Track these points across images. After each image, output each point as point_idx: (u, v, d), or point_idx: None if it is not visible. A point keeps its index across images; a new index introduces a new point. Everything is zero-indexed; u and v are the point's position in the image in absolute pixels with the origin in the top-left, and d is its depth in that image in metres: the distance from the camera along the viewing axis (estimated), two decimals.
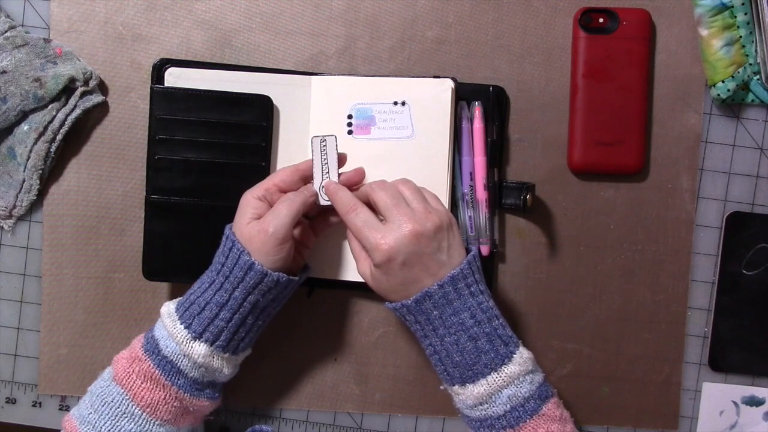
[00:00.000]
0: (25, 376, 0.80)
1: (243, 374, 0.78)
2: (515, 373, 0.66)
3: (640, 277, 0.78)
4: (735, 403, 0.79)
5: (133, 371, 0.67)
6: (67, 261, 0.78)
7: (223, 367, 0.69)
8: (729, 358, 0.78)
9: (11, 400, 0.80)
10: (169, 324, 0.67)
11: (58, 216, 0.78)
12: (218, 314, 0.67)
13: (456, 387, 0.67)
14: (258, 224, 0.67)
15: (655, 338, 0.78)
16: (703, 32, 0.75)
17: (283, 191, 0.70)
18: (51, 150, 0.76)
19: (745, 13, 0.74)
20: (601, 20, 0.75)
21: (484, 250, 0.76)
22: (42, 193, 0.78)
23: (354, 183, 0.72)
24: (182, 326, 0.67)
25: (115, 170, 0.78)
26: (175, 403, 0.68)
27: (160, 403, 0.67)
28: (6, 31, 0.75)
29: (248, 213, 0.68)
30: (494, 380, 0.65)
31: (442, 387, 0.70)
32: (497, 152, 0.76)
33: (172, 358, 0.67)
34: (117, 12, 0.77)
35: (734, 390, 0.79)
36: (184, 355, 0.67)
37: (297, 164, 0.71)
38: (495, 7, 0.77)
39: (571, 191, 0.78)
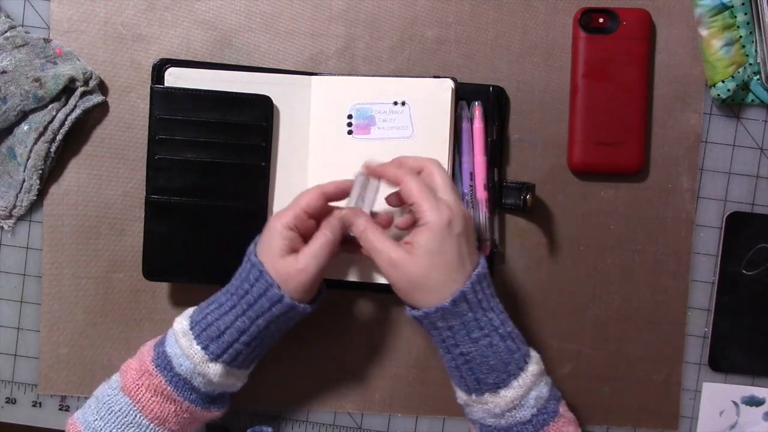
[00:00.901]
0: (25, 376, 0.80)
1: None
2: (537, 373, 0.65)
3: (640, 277, 0.78)
4: (735, 403, 0.79)
5: (142, 384, 0.67)
6: (67, 261, 0.78)
7: (237, 381, 0.70)
8: (729, 358, 0.78)
9: (11, 400, 0.80)
10: (185, 344, 0.66)
11: (58, 216, 0.78)
12: (238, 339, 0.66)
13: (486, 395, 0.65)
14: (296, 263, 0.65)
15: (655, 338, 0.78)
16: (703, 32, 0.75)
17: (311, 216, 0.68)
18: (51, 150, 0.76)
19: (745, 13, 0.74)
20: (601, 20, 0.75)
21: (484, 250, 0.76)
22: (42, 193, 0.78)
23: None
24: (199, 347, 0.66)
25: (115, 170, 0.78)
26: (185, 415, 0.68)
27: (170, 415, 0.67)
28: (6, 31, 0.75)
29: (279, 244, 0.65)
30: (524, 381, 0.64)
31: (462, 400, 0.68)
32: (497, 152, 0.76)
33: (185, 375, 0.67)
34: (117, 12, 0.77)
35: (734, 390, 0.79)
36: (199, 374, 0.67)
37: (321, 186, 0.68)
38: (495, 7, 0.77)
39: (571, 191, 0.78)
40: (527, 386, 0.64)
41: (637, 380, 0.78)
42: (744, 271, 0.78)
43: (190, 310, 0.69)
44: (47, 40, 0.76)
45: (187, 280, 0.76)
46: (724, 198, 0.78)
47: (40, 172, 0.76)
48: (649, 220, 0.78)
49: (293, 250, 0.66)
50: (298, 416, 0.80)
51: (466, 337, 0.64)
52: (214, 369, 0.66)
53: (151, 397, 0.66)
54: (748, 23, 0.74)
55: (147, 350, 0.69)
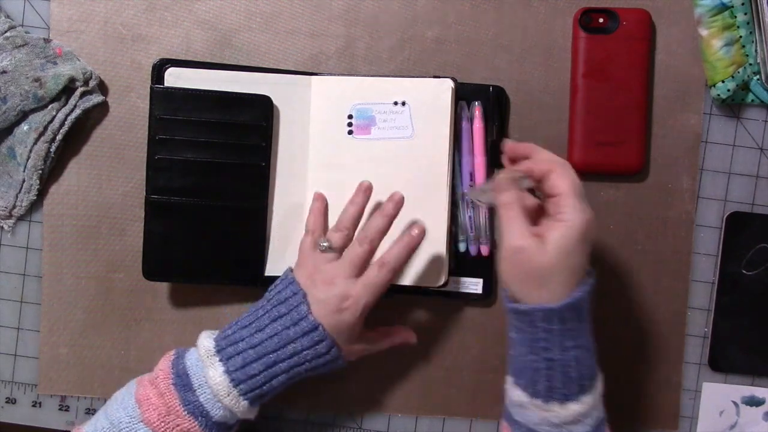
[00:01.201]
0: (25, 376, 0.80)
1: None
2: (601, 391, 0.64)
3: (640, 277, 0.78)
4: (735, 403, 0.79)
5: (171, 422, 0.65)
6: (67, 261, 0.78)
7: (254, 413, 0.69)
8: (729, 358, 0.78)
9: (11, 400, 0.80)
10: (219, 382, 0.65)
11: (58, 216, 0.78)
12: (272, 383, 0.66)
13: (553, 404, 0.62)
14: (351, 316, 0.67)
15: (655, 338, 0.78)
16: (703, 32, 0.75)
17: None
18: (51, 150, 0.76)
19: (745, 13, 0.74)
20: (601, 20, 0.75)
21: (484, 250, 0.76)
22: (42, 193, 0.78)
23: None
24: (232, 385, 0.65)
25: (115, 170, 0.78)
26: None
27: None
28: (6, 31, 0.75)
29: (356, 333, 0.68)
30: (592, 398, 0.62)
31: (519, 401, 0.64)
32: (497, 152, 0.76)
33: (224, 421, 0.66)
34: (117, 12, 0.77)
35: (734, 390, 0.79)
36: (227, 409, 0.66)
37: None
38: (495, 7, 0.77)
39: None
40: (593, 404, 0.63)
41: (637, 380, 0.78)
42: (744, 271, 0.78)
43: (211, 338, 0.68)
44: (47, 40, 0.76)
45: (187, 280, 0.76)
46: (724, 198, 0.78)
47: (40, 172, 0.76)
48: (649, 220, 0.78)
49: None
50: (298, 416, 0.80)
51: (559, 344, 0.61)
52: (251, 410, 0.67)
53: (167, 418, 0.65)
54: (748, 23, 0.74)
55: (166, 388, 0.66)
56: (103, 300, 0.78)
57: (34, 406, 0.80)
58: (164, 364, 0.67)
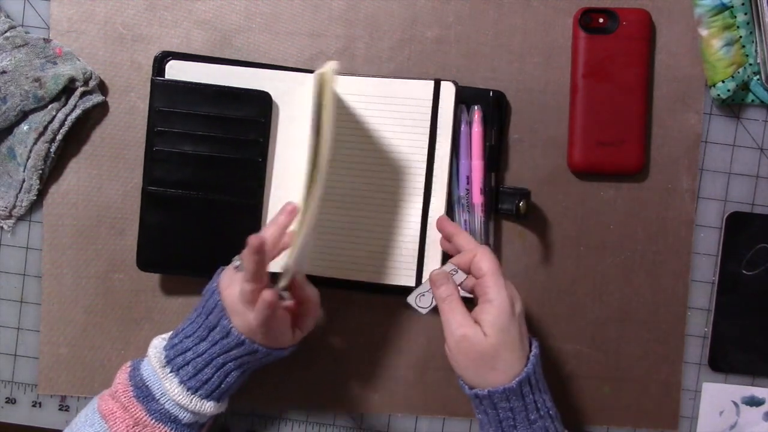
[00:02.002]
0: (25, 376, 0.80)
1: None
2: None
3: (640, 277, 0.78)
4: (735, 403, 0.79)
5: (128, 419, 0.66)
6: (67, 261, 0.78)
7: (222, 409, 0.70)
8: (729, 358, 0.78)
9: (11, 400, 0.80)
10: (177, 393, 0.67)
11: (58, 216, 0.78)
12: (221, 383, 0.68)
13: None
14: (294, 339, 0.69)
15: (655, 338, 0.78)
16: (703, 32, 0.75)
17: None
18: (51, 150, 0.76)
19: (745, 13, 0.74)
20: (601, 20, 0.75)
21: None
22: (42, 193, 0.78)
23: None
24: (206, 401, 0.68)
25: (115, 170, 0.78)
26: None
27: None
28: (6, 31, 0.75)
29: (284, 333, 0.68)
30: None
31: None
32: (495, 157, 0.76)
33: (192, 421, 0.68)
34: (117, 12, 0.77)
35: (734, 390, 0.79)
36: (205, 416, 0.68)
37: (267, 234, 0.67)
38: (495, 7, 0.77)
39: (571, 191, 0.78)
40: None
41: (637, 380, 0.78)
42: (744, 271, 0.78)
43: (161, 341, 0.69)
44: (47, 40, 0.76)
45: (181, 272, 0.76)
46: (724, 198, 0.78)
47: (40, 172, 0.76)
48: (649, 220, 0.78)
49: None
50: (298, 416, 0.80)
51: (525, 419, 0.64)
52: (218, 407, 0.69)
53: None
54: (748, 23, 0.74)
55: (128, 401, 0.67)
56: (103, 300, 0.78)
57: (34, 406, 0.80)
58: (122, 377, 0.68)
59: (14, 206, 0.77)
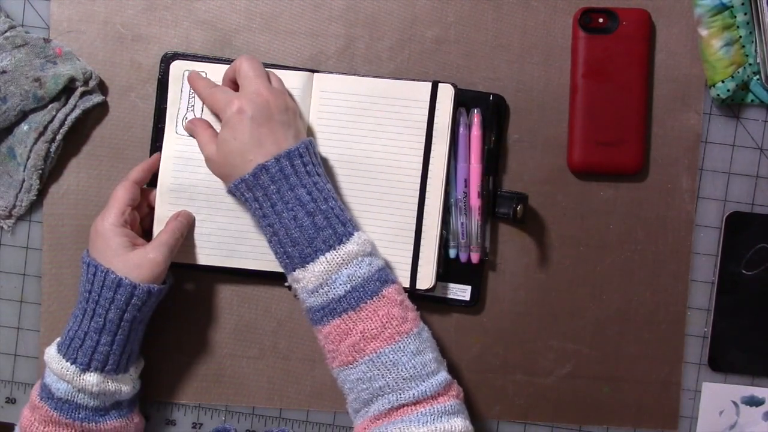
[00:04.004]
0: (25, 376, 0.80)
1: (243, 374, 0.78)
2: (353, 252, 0.66)
3: (640, 277, 0.78)
4: (735, 403, 0.79)
5: (35, 419, 0.69)
6: (67, 261, 0.78)
7: (121, 388, 0.70)
8: (729, 358, 0.78)
9: (11, 400, 0.80)
10: (56, 366, 0.68)
11: (58, 216, 0.78)
12: (99, 340, 0.68)
13: (297, 272, 0.67)
14: (146, 253, 0.69)
15: (655, 338, 0.78)
16: (703, 32, 0.75)
17: (132, 207, 0.72)
18: (51, 150, 0.76)
19: (745, 13, 0.74)
20: (601, 20, 0.75)
21: (474, 257, 0.75)
22: (42, 193, 0.78)
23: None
24: (68, 363, 0.68)
25: (115, 170, 0.78)
26: None
27: None
28: (6, 31, 0.75)
29: (120, 242, 0.69)
30: (333, 258, 0.66)
31: (286, 284, 0.70)
32: (493, 160, 0.76)
33: (67, 397, 0.68)
34: (117, 12, 0.77)
35: (734, 390, 0.79)
36: (78, 390, 0.68)
37: (129, 177, 0.73)
38: (495, 7, 0.77)
39: (571, 191, 0.78)
40: (336, 263, 0.66)
41: (637, 380, 0.78)
42: (744, 271, 0.78)
43: (58, 338, 0.71)
44: (47, 40, 0.76)
45: (184, 266, 0.76)
46: (724, 198, 0.78)
47: (40, 172, 0.76)
48: (649, 220, 0.78)
49: (134, 244, 0.70)
50: (298, 416, 0.80)
51: (270, 209, 0.67)
52: (90, 380, 0.68)
53: (44, 428, 0.69)
54: (748, 23, 0.74)
55: (35, 389, 0.71)
56: None
57: None
58: (34, 389, 0.71)
59: (14, 206, 0.77)
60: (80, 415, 0.69)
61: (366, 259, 0.67)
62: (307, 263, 0.66)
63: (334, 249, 0.66)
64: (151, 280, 0.69)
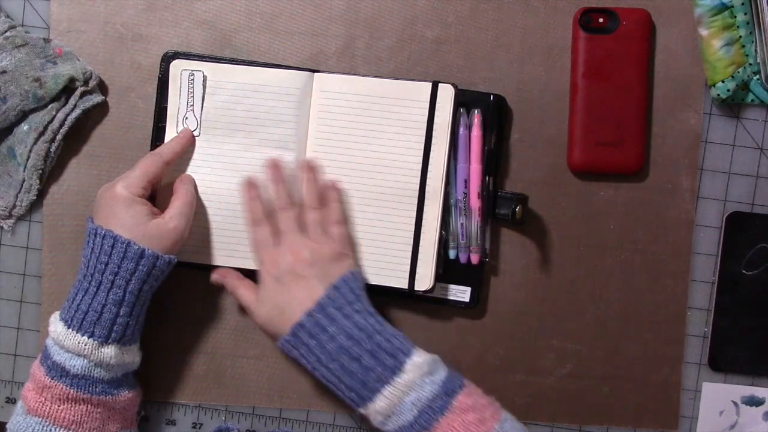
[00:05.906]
0: (25, 376, 0.79)
1: (243, 374, 0.79)
2: (410, 380, 0.65)
3: (640, 277, 0.78)
4: (735, 403, 0.79)
5: (46, 399, 0.67)
6: (67, 261, 0.78)
7: (134, 358, 0.71)
8: (729, 358, 0.78)
9: (11, 400, 0.80)
10: (70, 342, 0.67)
11: (58, 216, 0.78)
12: (119, 312, 0.67)
13: (361, 409, 0.67)
14: (165, 223, 0.69)
15: (655, 338, 0.78)
16: (703, 32, 0.75)
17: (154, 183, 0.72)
18: (51, 150, 0.76)
19: (745, 13, 0.74)
20: (601, 20, 0.75)
21: (474, 258, 0.75)
22: (42, 193, 0.78)
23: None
24: (86, 338, 0.67)
25: (115, 170, 0.78)
26: (98, 410, 0.68)
27: (84, 416, 0.67)
28: (6, 31, 0.75)
29: (142, 210, 0.69)
30: (391, 392, 0.65)
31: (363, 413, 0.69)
32: (493, 161, 0.76)
33: (84, 372, 0.67)
34: (117, 12, 0.77)
35: (734, 390, 0.79)
36: (96, 365, 0.67)
37: (161, 154, 0.72)
38: (495, 7, 0.77)
39: (571, 191, 0.78)
40: (396, 395, 0.65)
41: (637, 380, 0.79)
42: (744, 271, 0.78)
43: (56, 314, 0.70)
44: (47, 40, 0.76)
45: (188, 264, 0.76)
46: (724, 198, 0.78)
47: (40, 172, 0.76)
48: (649, 220, 0.78)
49: (153, 213, 0.70)
50: (298, 416, 0.80)
51: (317, 362, 0.68)
52: (109, 353, 0.67)
53: (59, 407, 0.67)
54: (748, 23, 0.74)
55: (36, 369, 0.69)
56: None
57: None
58: (37, 371, 0.69)
59: (14, 206, 0.77)
60: (97, 389, 0.67)
61: (426, 379, 0.66)
62: (368, 403, 0.66)
63: (390, 384, 0.65)
64: (171, 251, 0.69)
